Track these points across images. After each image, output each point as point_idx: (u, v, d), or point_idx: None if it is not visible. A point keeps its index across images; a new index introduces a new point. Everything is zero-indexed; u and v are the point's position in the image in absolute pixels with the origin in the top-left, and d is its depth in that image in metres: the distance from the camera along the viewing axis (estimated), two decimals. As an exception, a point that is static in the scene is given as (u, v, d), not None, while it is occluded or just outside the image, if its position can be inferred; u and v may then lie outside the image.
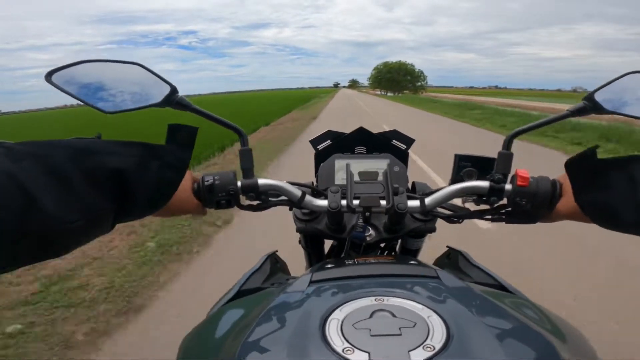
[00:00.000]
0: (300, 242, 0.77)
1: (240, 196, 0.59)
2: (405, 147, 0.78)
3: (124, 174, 0.41)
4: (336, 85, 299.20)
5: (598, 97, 0.52)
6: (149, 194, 0.44)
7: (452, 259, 0.70)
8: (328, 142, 0.78)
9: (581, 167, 0.48)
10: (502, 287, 0.57)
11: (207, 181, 0.56)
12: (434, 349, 0.31)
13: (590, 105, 0.53)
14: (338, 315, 0.37)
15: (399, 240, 0.75)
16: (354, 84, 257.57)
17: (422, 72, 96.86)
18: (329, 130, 0.79)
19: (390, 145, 0.77)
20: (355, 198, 0.58)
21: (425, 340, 0.32)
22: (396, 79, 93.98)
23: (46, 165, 0.35)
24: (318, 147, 0.78)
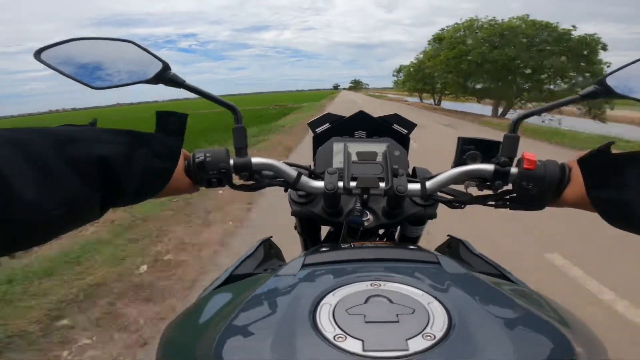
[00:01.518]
0: (295, 227, 0.75)
1: (233, 175, 0.57)
2: (406, 131, 0.76)
3: (110, 162, 0.40)
4: (336, 87, 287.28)
5: (610, 81, 0.51)
6: (139, 182, 0.43)
7: (453, 248, 0.68)
8: (327, 125, 0.76)
9: (594, 162, 0.47)
10: (503, 276, 0.56)
11: (198, 158, 0.54)
12: (435, 337, 0.29)
13: (602, 89, 0.51)
14: (330, 300, 0.35)
15: (398, 228, 0.73)
16: (356, 85, 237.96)
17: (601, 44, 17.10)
18: (328, 113, 0.78)
19: (391, 130, 0.75)
20: (353, 179, 0.56)
21: (425, 328, 0.30)
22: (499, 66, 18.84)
23: (26, 152, 0.34)
24: (316, 130, 0.76)
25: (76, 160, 0.37)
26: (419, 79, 34.31)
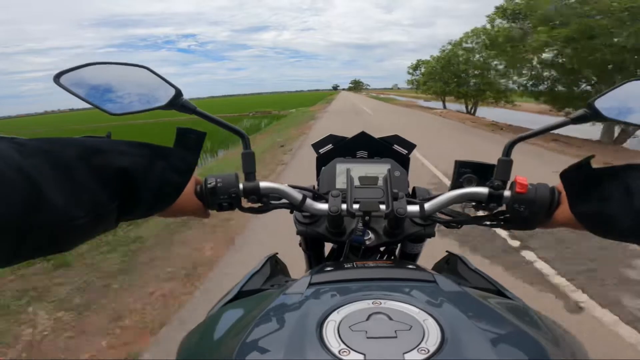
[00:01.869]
0: (300, 244, 0.78)
1: (242, 199, 0.60)
2: (406, 152, 0.79)
3: (130, 174, 0.42)
4: (335, 88, 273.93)
5: (598, 104, 0.52)
6: (154, 194, 0.45)
7: (451, 264, 0.70)
8: (330, 146, 0.79)
9: (576, 177, 0.49)
10: (499, 292, 0.58)
11: (210, 183, 0.57)
12: (428, 351, 0.32)
13: (591, 112, 0.53)
14: (335, 317, 0.37)
15: (399, 245, 0.76)
16: (356, 86, 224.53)
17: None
18: (330, 135, 0.80)
19: (392, 150, 0.78)
20: (356, 202, 0.59)
21: (420, 343, 0.33)
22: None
23: (56, 161, 0.36)
24: (320, 150, 0.79)
25: (100, 170, 0.39)
26: (448, 78, 22.82)
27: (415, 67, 33.29)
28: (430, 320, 0.36)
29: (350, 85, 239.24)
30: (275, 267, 0.70)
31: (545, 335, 0.39)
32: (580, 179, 0.48)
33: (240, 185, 0.58)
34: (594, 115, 0.53)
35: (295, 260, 0.89)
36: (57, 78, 0.48)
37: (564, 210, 0.53)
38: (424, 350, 0.32)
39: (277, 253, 0.76)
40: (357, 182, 0.67)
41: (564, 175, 0.50)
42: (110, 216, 0.42)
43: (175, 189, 0.48)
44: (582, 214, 0.49)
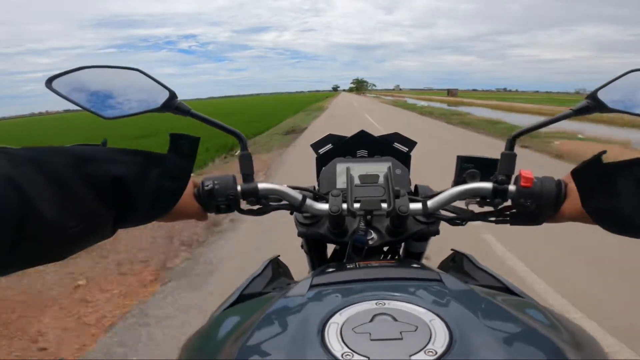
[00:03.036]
0: (302, 246, 0.77)
1: (241, 201, 0.58)
2: (407, 150, 0.77)
3: (124, 182, 0.41)
4: (335, 89, 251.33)
5: (601, 95, 0.51)
6: (150, 202, 0.44)
7: (457, 262, 0.69)
8: (329, 145, 0.78)
9: (587, 173, 0.48)
10: (508, 289, 0.56)
11: (207, 186, 0.56)
12: (436, 353, 0.30)
13: (594, 103, 0.52)
14: (338, 319, 0.36)
15: (403, 244, 0.74)
16: (359, 86, 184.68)
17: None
18: (330, 134, 0.79)
19: (392, 148, 0.77)
20: (356, 201, 0.57)
21: (427, 345, 0.31)
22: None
23: (46, 171, 0.36)
24: (319, 151, 0.78)
25: (92, 179, 0.39)
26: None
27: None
28: (437, 321, 0.35)
29: (352, 85, 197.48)
30: (277, 270, 0.69)
31: (559, 334, 0.38)
32: (592, 174, 0.47)
33: (238, 187, 0.57)
34: (597, 107, 0.52)
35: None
36: (49, 83, 0.48)
37: (571, 203, 0.52)
38: (432, 352, 0.31)
39: (278, 255, 0.75)
40: (357, 181, 0.66)
41: (575, 172, 0.49)
42: (105, 225, 0.41)
43: (172, 196, 0.47)
44: (594, 209, 0.48)
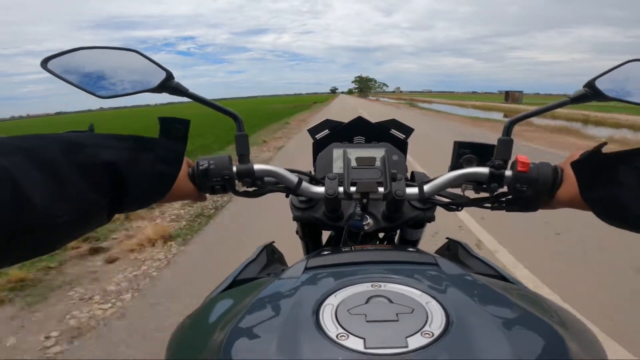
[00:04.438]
0: (297, 232, 0.76)
1: (236, 182, 0.58)
2: (404, 136, 0.77)
3: (117, 167, 0.40)
4: (333, 91, 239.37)
5: (599, 84, 0.52)
6: (145, 186, 0.44)
7: (452, 250, 0.69)
8: (326, 131, 0.77)
9: (587, 164, 0.47)
10: (502, 277, 0.56)
11: (202, 165, 0.56)
12: (433, 335, 0.30)
13: (591, 91, 0.52)
14: (332, 301, 0.36)
15: (398, 231, 0.74)
16: (363, 86, 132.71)
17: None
18: (327, 120, 0.79)
19: (389, 134, 0.77)
20: (353, 184, 0.57)
21: (423, 327, 0.31)
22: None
23: (37, 159, 0.35)
24: (316, 136, 0.77)
25: (84, 166, 0.38)
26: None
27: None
28: (434, 303, 0.35)
29: (353, 88, 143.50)
30: (271, 257, 0.69)
31: (554, 319, 0.38)
32: (592, 165, 0.47)
33: (234, 168, 0.57)
34: (595, 95, 0.52)
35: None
36: (44, 63, 0.47)
37: (567, 189, 0.52)
38: (428, 333, 0.30)
39: (273, 242, 0.74)
40: (354, 163, 0.66)
41: (576, 163, 0.48)
42: (100, 212, 0.41)
43: (167, 180, 0.47)
44: (593, 200, 0.47)
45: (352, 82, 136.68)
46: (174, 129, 0.47)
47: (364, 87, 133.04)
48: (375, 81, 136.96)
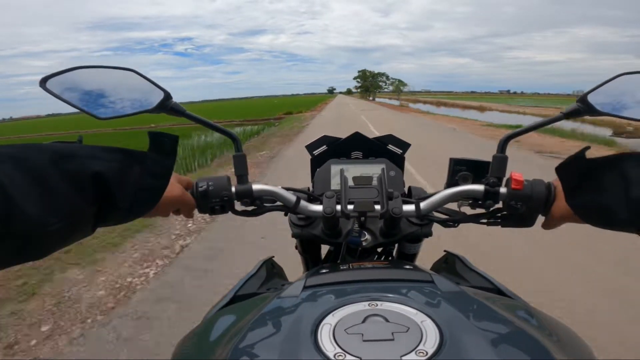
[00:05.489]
0: (296, 247, 0.77)
1: (235, 202, 0.59)
2: (401, 151, 0.78)
3: (105, 179, 0.40)
4: (331, 91, 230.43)
5: (591, 98, 0.52)
6: (132, 199, 0.44)
7: (450, 263, 0.69)
8: (324, 147, 0.78)
9: (571, 169, 0.47)
10: (499, 291, 0.57)
11: (201, 187, 0.56)
12: (427, 353, 0.31)
13: (584, 107, 0.52)
14: (330, 320, 0.36)
15: (396, 245, 0.75)
16: (371, 83, 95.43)
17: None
18: (324, 136, 0.79)
19: (387, 150, 0.77)
20: (350, 203, 0.58)
21: (418, 345, 0.32)
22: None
23: (26, 167, 0.35)
24: (314, 152, 0.78)
25: (73, 175, 0.38)
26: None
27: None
28: (428, 322, 0.35)
29: (355, 87, 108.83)
30: (271, 271, 0.69)
31: (548, 335, 0.38)
32: (575, 170, 0.47)
33: (233, 188, 0.58)
34: (587, 110, 0.52)
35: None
36: (43, 83, 0.47)
37: (560, 205, 0.52)
38: (422, 352, 0.31)
39: (273, 257, 0.75)
40: (351, 183, 0.66)
41: (560, 169, 0.49)
42: (86, 222, 0.41)
43: (154, 194, 0.47)
44: (579, 206, 0.48)
45: (354, 78, 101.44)
46: (162, 144, 0.47)
47: (370, 84, 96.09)
48: (388, 77, 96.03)
